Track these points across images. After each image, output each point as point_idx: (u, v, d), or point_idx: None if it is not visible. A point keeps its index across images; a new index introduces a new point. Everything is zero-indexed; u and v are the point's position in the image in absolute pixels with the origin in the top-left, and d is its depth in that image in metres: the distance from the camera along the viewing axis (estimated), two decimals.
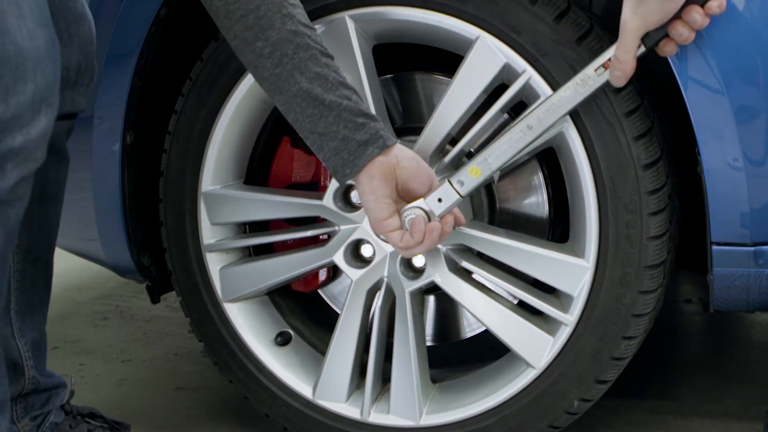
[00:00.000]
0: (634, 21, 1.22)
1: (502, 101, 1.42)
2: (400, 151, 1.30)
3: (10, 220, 1.27)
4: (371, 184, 1.28)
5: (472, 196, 1.53)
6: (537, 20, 1.36)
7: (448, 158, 1.48)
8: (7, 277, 1.47)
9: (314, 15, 1.48)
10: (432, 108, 1.61)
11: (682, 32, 1.23)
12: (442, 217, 1.34)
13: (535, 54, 1.37)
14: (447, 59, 1.52)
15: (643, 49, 1.25)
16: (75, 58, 1.48)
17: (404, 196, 1.33)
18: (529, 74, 1.39)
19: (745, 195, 1.32)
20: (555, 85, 1.37)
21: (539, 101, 1.36)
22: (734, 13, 1.28)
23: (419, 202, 1.33)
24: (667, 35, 1.24)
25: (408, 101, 1.66)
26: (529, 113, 1.33)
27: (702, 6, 1.21)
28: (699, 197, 1.37)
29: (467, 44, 1.42)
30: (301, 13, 1.29)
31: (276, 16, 1.26)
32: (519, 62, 1.39)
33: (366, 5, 1.45)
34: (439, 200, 1.34)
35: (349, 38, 1.46)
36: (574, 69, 1.35)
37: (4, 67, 1.18)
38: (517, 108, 1.48)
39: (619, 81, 1.28)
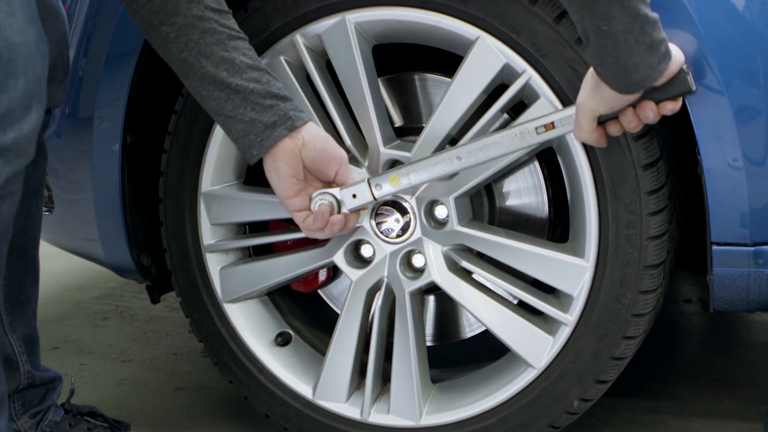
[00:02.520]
0: (589, 104, 1.25)
1: (502, 101, 1.42)
2: (308, 132, 1.32)
3: (3, 216, 1.27)
4: (274, 164, 1.32)
5: (472, 196, 1.53)
6: (537, 20, 1.36)
7: None
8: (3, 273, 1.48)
9: (314, 16, 1.48)
10: (432, 108, 1.61)
11: (631, 120, 1.25)
12: (351, 211, 1.37)
13: (534, 54, 1.37)
14: (447, 60, 1.52)
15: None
16: (51, 54, 1.48)
17: (315, 175, 1.36)
18: (529, 74, 1.39)
19: (745, 195, 1.32)
20: (554, 86, 1.37)
21: (475, 132, 1.39)
22: (734, 13, 1.28)
23: (335, 191, 1.36)
24: (616, 117, 1.26)
25: (408, 101, 1.66)
26: (462, 145, 1.35)
27: (657, 104, 1.23)
28: (699, 197, 1.37)
29: (467, 45, 1.42)
30: None
31: (182, 1, 1.28)
32: (519, 62, 1.39)
33: (365, 6, 1.45)
34: (354, 196, 1.37)
35: (349, 39, 1.46)
36: (573, 69, 1.35)
37: None
38: (517, 108, 1.48)
39: (580, 139, 1.30)
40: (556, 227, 1.62)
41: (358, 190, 1.37)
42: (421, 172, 1.36)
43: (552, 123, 1.30)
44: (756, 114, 1.29)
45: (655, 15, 1.16)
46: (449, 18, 1.41)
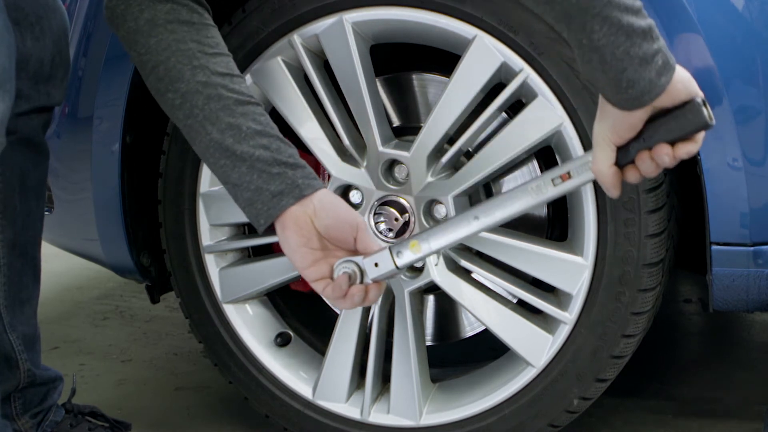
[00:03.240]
0: (600, 131, 1.16)
1: (500, 100, 1.42)
2: (320, 199, 1.25)
3: None
4: (284, 234, 1.25)
5: (471, 195, 1.53)
6: (534, 19, 1.36)
7: (445, 158, 1.48)
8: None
9: (311, 16, 1.48)
10: (429, 108, 1.61)
11: (649, 165, 1.15)
12: (374, 280, 1.28)
13: (532, 53, 1.37)
14: (445, 59, 1.52)
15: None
16: (48, 51, 1.47)
17: (335, 243, 1.28)
18: (526, 73, 1.39)
19: (745, 195, 1.32)
20: (552, 84, 1.37)
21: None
22: (734, 13, 1.28)
23: (358, 259, 1.28)
24: (633, 162, 1.17)
25: (406, 101, 1.66)
26: (478, 205, 1.29)
27: (671, 145, 1.13)
28: (698, 197, 1.37)
29: (464, 44, 1.42)
30: (218, 62, 1.26)
31: (185, 68, 1.24)
32: (516, 61, 1.39)
33: (363, 6, 1.45)
34: (376, 264, 1.28)
35: (347, 39, 1.46)
36: (571, 67, 1.35)
37: None
38: (515, 107, 1.48)
39: (611, 194, 1.19)
40: (554, 226, 1.62)
41: (380, 259, 1.28)
42: (440, 237, 1.29)
43: (568, 173, 1.23)
44: (755, 114, 1.29)
45: (645, 23, 1.07)
46: (446, 17, 1.41)
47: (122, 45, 1.29)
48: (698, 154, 1.31)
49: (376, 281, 1.28)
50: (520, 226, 1.59)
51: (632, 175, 1.17)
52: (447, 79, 1.45)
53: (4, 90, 1.23)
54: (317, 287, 1.28)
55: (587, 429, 1.71)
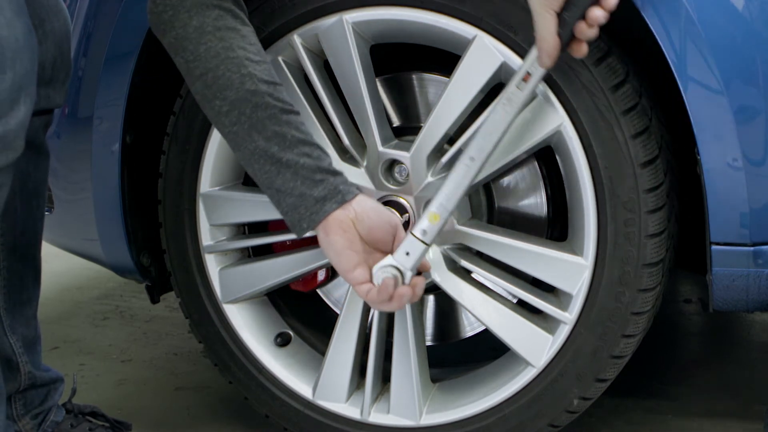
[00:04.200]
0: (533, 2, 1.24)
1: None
2: (359, 204, 1.30)
3: None
4: (327, 238, 1.30)
5: (471, 195, 1.53)
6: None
7: (445, 158, 1.48)
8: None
9: (311, 16, 1.48)
10: (429, 108, 1.61)
11: (586, 30, 1.23)
12: (413, 269, 1.34)
13: None
14: (445, 59, 1.52)
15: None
16: (50, 54, 1.47)
17: (374, 246, 1.33)
18: None
19: (745, 195, 1.32)
20: (551, 84, 1.37)
21: (473, 131, 1.38)
22: (734, 13, 1.28)
23: (388, 260, 1.32)
24: (573, 36, 1.25)
25: (406, 101, 1.66)
26: (468, 147, 1.33)
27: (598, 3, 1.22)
28: (698, 197, 1.37)
29: (464, 44, 1.42)
30: (263, 70, 1.29)
31: (234, 75, 1.27)
32: (516, 61, 1.38)
33: (363, 6, 1.45)
34: (407, 253, 1.33)
35: (347, 39, 1.46)
36: (571, 67, 1.35)
37: None
38: None
39: (546, 62, 1.27)
40: (554, 226, 1.62)
41: (408, 246, 1.33)
42: (449, 195, 1.34)
43: (527, 72, 1.29)
44: (755, 114, 1.29)
45: None
46: (446, 17, 1.41)
47: (168, 51, 1.31)
48: (698, 154, 1.31)
49: (414, 274, 1.33)
50: (520, 226, 1.60)
51: (577, 49, 1.26)
52: (447, 79, 1.45)
53: (27, 93, 1.25)
54: (360, 291, 1.32)
55: (587, 429, 1.71)
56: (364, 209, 1.30)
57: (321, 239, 1.31)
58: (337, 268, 1.33)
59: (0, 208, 1.29)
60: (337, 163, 1.53)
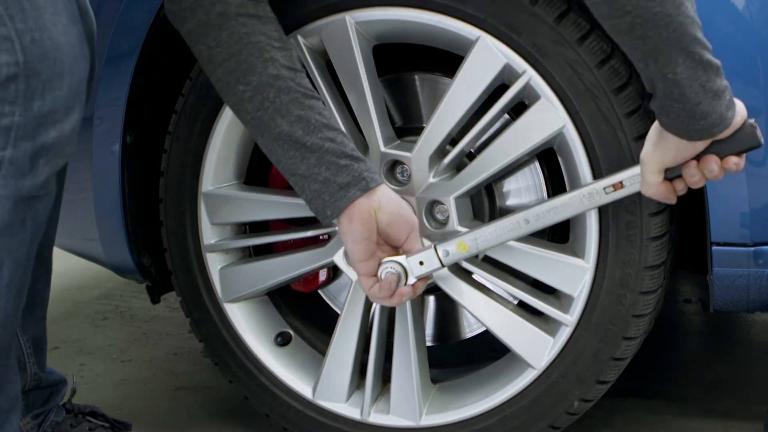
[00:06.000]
0: (654, 157, 1.22)
1: (503, 102, 1.42)
2: (383, 194, 1.30)
3: (39, 215, 1.28)
4: (350, 226, 1.29)
5: (473, 197, 1.53)
6: (537, 21, 1.36)
7: (448, 159, 1.48)
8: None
9: (314, 16, 1.48)
10: (432, 108, 1.61)
11: (694, 174, 1.21)
12: (419, 278, 1.34)
13: (535, 54, 1.37)
14: (448, 60, 1.52)
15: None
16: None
17: (386, 239, 1.33)
18: (529, 75, 1.38)
19: (745, 195, 1.32)
20: (555, 86, 1.37)
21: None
22: (734, 12, 1.28)
23: (401, 259, 1.33)
24: (680, 175, 1.23)
25: (408, 101, 1.66)
26: (530, 207, 1.34)
27: (721, 158, 1.20)
28: (699, 197, 1.37)
29: (467, 45, 1.42)
30: (286, 56, 1.29)
31: (257, 60, 1.27)
32: (519, 63, 1.39)
33: (366, 6, 1.45)
34: (421, 263, 1.34)
35: (350, 39, 1.46)
36: (574, 69, 1.35)
37: (44, 62, 1.19)
38: (518, 108, 1.48)
39: (647, 193, 1.27)
40: (556, 228, 1.62)
41: (425, 257, 1.34)
42: (489, 237, 1.34)
43: (621, 182, 1.29)
44: (755, 114, 1.28)
45: (717, 62, 1.14)
46: (450, 18, 1.41)
47: (186, 40, 1.30)
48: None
49: (419, 279, 1.34)
50: None
51: (680, 186, 1.24)
52: (450, 80, 1.45)
53: (80, 99, 1.26)
54: (365, 283, 1.33)
55: (587, 430, 1.71)
56: (388, 200, 1.30)
57: (343, 225, 1.30)
58: (351, 255, 1.33)
59: (47, 214, 1.29)
60: None
